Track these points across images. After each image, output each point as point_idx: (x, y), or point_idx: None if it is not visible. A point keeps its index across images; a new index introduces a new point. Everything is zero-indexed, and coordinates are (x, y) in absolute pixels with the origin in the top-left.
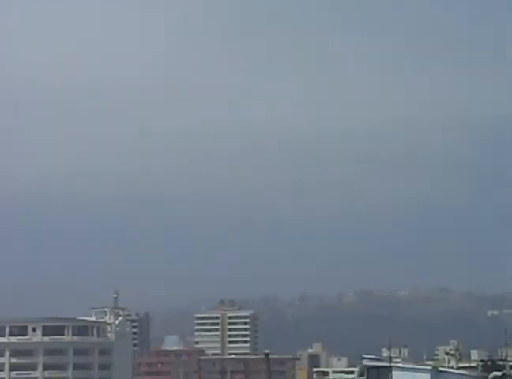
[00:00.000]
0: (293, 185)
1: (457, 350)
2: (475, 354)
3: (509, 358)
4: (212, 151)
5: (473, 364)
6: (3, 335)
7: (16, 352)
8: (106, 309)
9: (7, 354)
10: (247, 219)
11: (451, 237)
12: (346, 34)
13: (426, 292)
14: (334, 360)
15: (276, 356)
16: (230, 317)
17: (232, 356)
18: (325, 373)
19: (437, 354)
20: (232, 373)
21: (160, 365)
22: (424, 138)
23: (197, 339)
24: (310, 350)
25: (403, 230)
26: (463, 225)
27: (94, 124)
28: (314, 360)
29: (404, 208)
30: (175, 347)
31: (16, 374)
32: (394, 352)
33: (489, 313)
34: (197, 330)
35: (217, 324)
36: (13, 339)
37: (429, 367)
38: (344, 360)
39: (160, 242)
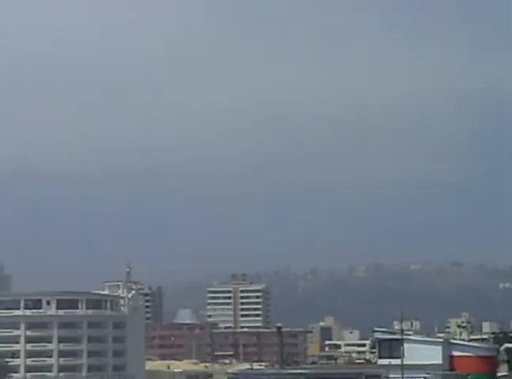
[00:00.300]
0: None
1: (468, 322)
2: (486, 327)
3: None
4: (223, 127)
5: (485, 336)
6: (18, 309)
7: (31, 325)
8: (119, 283)
9: (22, 326)
10: (258, 193)
11: (461, 211)
12: (358, 10)
13: (438, 266)
14: (346, 333)
15: (288, 329)
16: (242, 291)
17: (244, 329)
18: (337, 346)
19: (448, 327)
20: (245, 346)
21: (173, 339)
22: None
23: (209, 313)
24: (321, 324)
25: (415, 204)
26: (473, 199)
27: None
28: (326, 333)
29: (418, 182)
30: (188, 321)
31: (32, 346)
32: (406, 325)
33: (501, 285)
34: (210, 304)
35: (229, 297)
36: (28, 312)
37: (441, 339)
38: (356, 333)
39: (173, 217)
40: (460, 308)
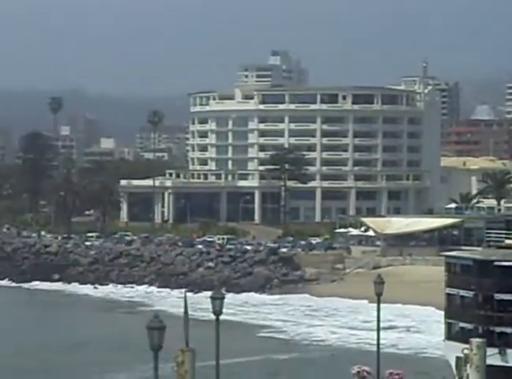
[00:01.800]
0: None
1: None
2: None
3: None
4: None
5: None
6: (314, 103)
7: (327, 119)
8: (415, 79)
9: (318, 120)
10: None
11: None
12: None
13: None
14: None
15: None
16: None
17: None
18: None
19: None
20: None
21: (469, 135)
22: None
23: (508, 109)
24: None
25: None
26: None
27: None
28: None
29: None
30: (486, 117)
31: (327, 140)
32: None
33: None
34: (509, 100)
35: None
36: (324, 106)
37: None
38: None
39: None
40: None
